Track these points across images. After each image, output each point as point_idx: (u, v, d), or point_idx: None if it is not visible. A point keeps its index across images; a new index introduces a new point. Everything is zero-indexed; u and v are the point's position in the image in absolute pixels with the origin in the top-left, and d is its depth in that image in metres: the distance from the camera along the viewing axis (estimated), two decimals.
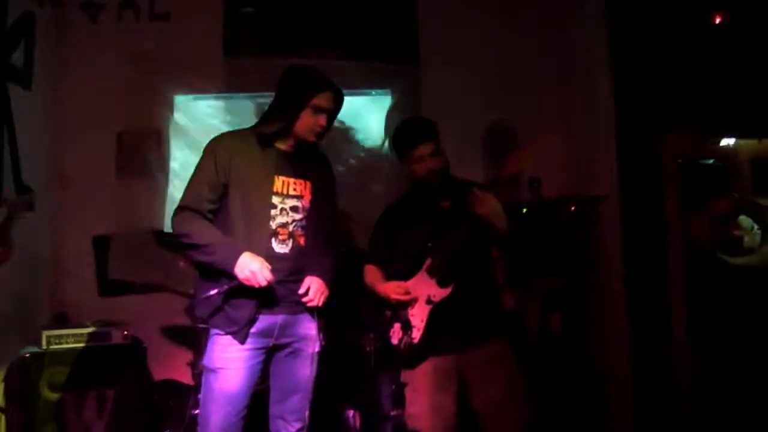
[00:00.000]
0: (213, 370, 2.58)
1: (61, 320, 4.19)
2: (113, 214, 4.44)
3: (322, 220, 2.72)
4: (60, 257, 4.39)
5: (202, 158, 2.66)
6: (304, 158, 2.70)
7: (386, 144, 4.75)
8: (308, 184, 2.69)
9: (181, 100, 4.66)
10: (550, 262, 4.28)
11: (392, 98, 4.80)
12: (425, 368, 2.69)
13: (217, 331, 2.61)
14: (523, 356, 2.85)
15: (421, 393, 2.69)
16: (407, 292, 2.69)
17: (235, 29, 4.71)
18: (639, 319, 3.97)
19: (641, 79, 4.03)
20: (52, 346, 3.50)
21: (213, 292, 2.54)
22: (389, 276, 2.84)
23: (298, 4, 4.79)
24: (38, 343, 3.53)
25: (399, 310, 2.73)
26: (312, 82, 2.61)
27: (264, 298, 2.56)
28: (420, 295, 2.67)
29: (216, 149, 2.63)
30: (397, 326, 2.73)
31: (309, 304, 2.61)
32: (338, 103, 2.68)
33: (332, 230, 2.80)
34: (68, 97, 4.44)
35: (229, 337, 2.57)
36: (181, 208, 2.63)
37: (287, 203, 2.63)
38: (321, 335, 2.67)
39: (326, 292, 2.66)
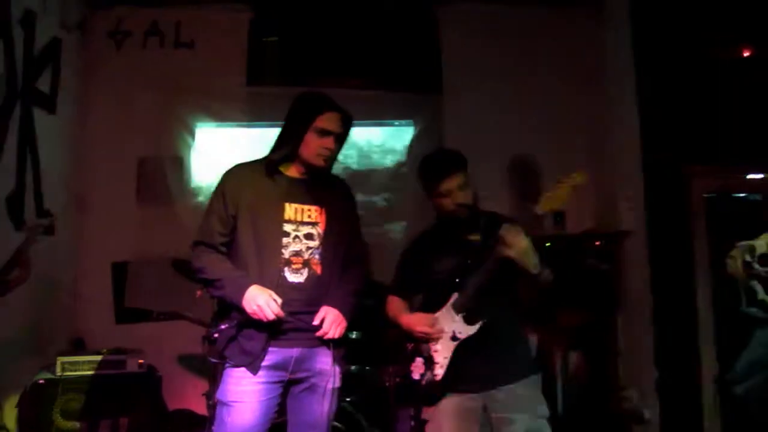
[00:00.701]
0: (226, 404, 2.49)
1: (78, 346, 4.16)
2: (132, 241, 4.43)
3: (341, 248, 2.62)
4: (78, 282, 4.37)
5: (213, 192, 2.65)
6: (319, 184, 2.62)
7: (409, 175, 4.71)
8: (324, 210, 2.60)
9: (203, 128, 4.66)
10: (573, 299, 4.19)
11: (415, 129, 4.78)
12: (448, 406, 2.60)
13: (230, 363, 2.53)
14: (545, 395, 2.75)
15: (443, 431, 2.60)
16: (433, 325, 2.61)
17: (258, 58, 4.74)
18: (667, 358, 3.86)
19: (668, 112, 3.99)
20: (66, 373, 3.47)
21: (223, 326, 2.51)
22: (412, 309, 2.77)
23: (321, 34, 4.81)
24: (53, 369, 3.49)
25: (422, 344, 2.65)
26: (314, 103, 2.56)
27: (277, 329, 2.47)
28: (445, 330, 2.59)
29: (225, 181, 2.61)
30: (419, 361, 2.65)
31: (324, 337, 2.51)
32: (345, 125, 2.59)
33: (354, 258, 2.69)
34: (91, 123, 4.47)
35: (242, 369, 2.48)
36: (195, 243, 2.61)
37: (301, 230, 2.56)
38: (338, 370, 2.56)
39: (343, 324, 2.54)
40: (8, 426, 3.48)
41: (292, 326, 2.50)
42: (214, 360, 2.64)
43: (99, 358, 3.55)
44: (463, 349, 2.56)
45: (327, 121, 2.52)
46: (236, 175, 2.62)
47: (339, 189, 2.73)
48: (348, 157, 4.72)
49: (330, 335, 2.51)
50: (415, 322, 2.66)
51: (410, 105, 4.77)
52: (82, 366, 3.50)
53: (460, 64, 4.68)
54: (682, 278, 3.90)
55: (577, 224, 4.48)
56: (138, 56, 4.58)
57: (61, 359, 3.49)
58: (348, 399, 3.49)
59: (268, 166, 2.59)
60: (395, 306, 2.83)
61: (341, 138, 2.60)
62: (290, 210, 2.56)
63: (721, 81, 3.99)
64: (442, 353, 2.58)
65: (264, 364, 2.49)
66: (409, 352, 2.72)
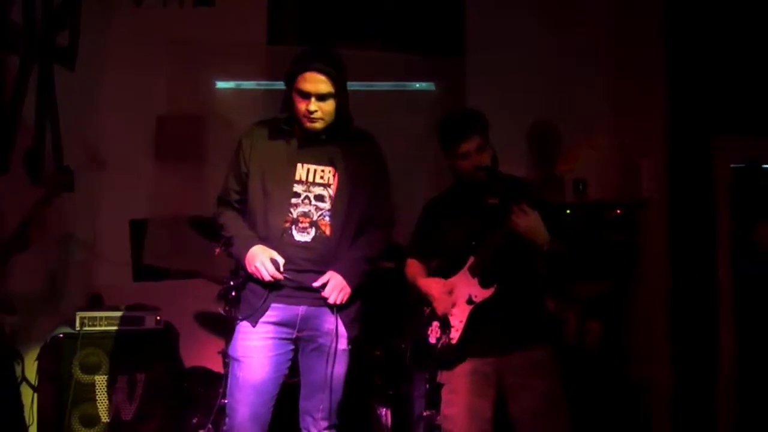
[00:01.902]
0: (237, 360, 2.54)
1: (96, 302, 4.19)
2: (151, 199, 4.44)
3: (355, 211, 2.57)
4: (97, 239, 4.39)
5: (234, 149, 2.67)
6: (337, 142, 2.56)
7: (429, 138, 4.66)
8: (336, 170, 2.55)
9: (223, 87, 4.63)
10: (591, 267, 4.15)
11: (436, 91, 4.71)
12: (464, 370, 2.59)
13: (239, 318, 2.59)
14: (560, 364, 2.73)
15: (459, 395, 2.59)
16: (450, 292, 2.59)
17: (278, 17, 4.67)
18: (683, 330, 3.82)
19: (695, 77, 3.88)
20: (85, 328, 3.50)
21: (232, 282, 2.62)
22: (430, 272, 2.75)
23: None
24: (72, 324, 3.52)
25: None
26: (295, 64, 2.47)
27: (279, 286, 2.51)
28: (461, 294, 2.57)
29: (242, 139, 2.62)
30: (435, 325, 2.64)
31: (328, 301, 2.51)
32: (334, 82, 2.45)
33: (373, 222, 2.64)
34: (111, 80, 4.42)
35: (250, 325, 2.53)
36: (218, 200, 2.70)
37: (312, 191, 2.54)
38: (343, 331, 2.54)
39: (346, 290, 2.52)
40: (29, 378, 3.54)
41: (296, 285, 2.51)
42: (223, 312, 2.85)
43: (118, 313, 3.58)
44: (479, 313, 2.54)
45: (305, 82, 2.43)
46: (253, 134, 2.62)
47: (360, 147, 2.64)
48: (371, 119, 4.69)
49: (331, 300, 2.50)
50: (434, 287, 2.65)
51: (432, 67, 4.69)
52: (101, 321, 3.53)
53: (483, 26, 4.59)
54: (703, 251, 3.83)
55: (600, 192, 4.43)
56: (158, 14, 4.51)
57: (80, 314, 3.52)
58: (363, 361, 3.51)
59: (276, 126, 2.58)
60: (414, 269, 2.81)
61: (329, 96, 2.46)
62: (302, 171, 2.55)
63: (755, 44, 3.86)
64: (458, 317, 2.57)
65: (270, 320, 2.52)
66: (426, 316, 2.71)
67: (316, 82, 2.43)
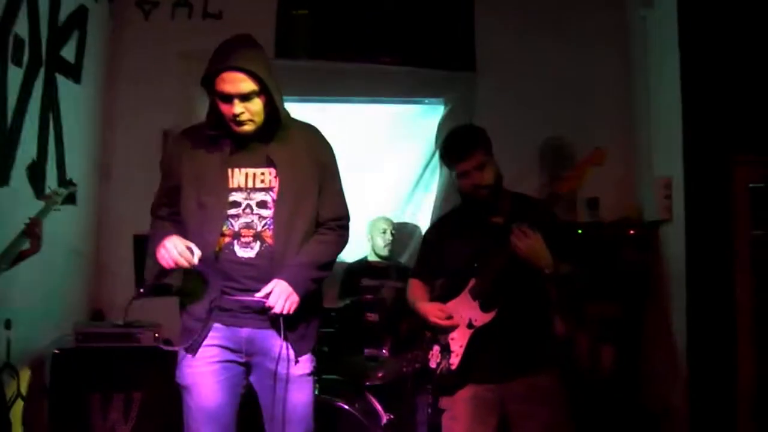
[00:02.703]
0: (186, 387, 2.28)
1: (97, 317, 4.15)
2: None
3: (300, 215, 2.26)
4: (100, 253, 4.35)
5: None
6: (275, 140, 2.26)
7: (437, 154, 4.60)
8: (278, 171, 2.25)
9: None
10: (604, 289, 4.03)
11: (446, 107, 4.64)
12: (464, 396, 2.49)
13: (180, 346, 2.32)
14: (570, 389, 2.61)
15: (459, 422, 2.48)
16: (449, 317, 2.48)
17: (287, 31, 4.65)
18: (701, 353, 3.68)
19: (712, 97, 3.77)
20: (82, 343, 3.43)
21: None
22: (433, 293, 2.65)
23: (352, 8, 4.69)
24: (69, 340, 3.46)
25: (439, 333, 2.54)
26: (209, 65, 2.17)
27: (218, 306, 2.23)
28: (461, 318, 2.47)
29: (168, 149, 2.41)
30: (436, 349, 2.54)
31: (271, 312, 2.19)
32: (254, 81, 2.15)
33: (324, 223, 2.34)
34: (117, 93, 4.43)
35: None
36: (151, 215, 2.40)
37: (254, 198, 2.25)
38: (292, 354, 2.24)
39: (294, 298, 2.19)
40: (24, 394, 3.48)
41: (237, 304, 2.23)
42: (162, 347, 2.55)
43: (115, 329, 3.51)
44: (480, 338, 2.44)
45: (224, 83, 2.13)
46: (177, 142, 2.32)
47: (303, 142, 2.32)
48: (378, 135, 4.64)
49: (277, 309, 2.18)
50: (429, 311, 2.54)
51: (441, 82, 4.63)
52: (98, 337, 3.46)
53: (493, 41, 4.55)
54: (720, 272, 3.70)
55: (612, 212, 4.33)
56: (166, 26, 4.53)
57: (76, 329, 3.47)
58: (365, 384, 3.41)
59: (201, 132, 2.26)
60: (415, 291, 2.72)
61: (253, 94, 2.17)
62: (240, 176, 2.25)
63: None
64: (458, 341, 2.46)
65: (214, 343, 2.24)
66: (427, 340, 2.62)
67: (236, 81, 2.13)
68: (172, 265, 2.15)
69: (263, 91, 2.19)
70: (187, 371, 2.27)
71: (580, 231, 4.08)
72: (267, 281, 2.22)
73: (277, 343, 2.24)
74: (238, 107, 2.15)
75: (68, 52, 3.99)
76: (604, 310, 4.06)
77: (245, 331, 2.27)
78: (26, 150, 3.59)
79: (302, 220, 2.28)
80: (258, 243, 2.24)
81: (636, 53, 4.39)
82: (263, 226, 2.25)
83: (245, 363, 2.31)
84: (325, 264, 2.33)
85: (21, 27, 3.51)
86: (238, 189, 2.26)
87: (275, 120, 2.26)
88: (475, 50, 4.60)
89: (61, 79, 3.89)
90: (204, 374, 2.25)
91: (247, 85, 2.15)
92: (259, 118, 2.22)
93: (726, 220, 3.73)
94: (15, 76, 3.47)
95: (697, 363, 3.71)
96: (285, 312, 2.20)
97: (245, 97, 2.16)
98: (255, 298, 2.21)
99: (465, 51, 4.65)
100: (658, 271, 4.07)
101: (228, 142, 2.26)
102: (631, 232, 4.14)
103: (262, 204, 2.26)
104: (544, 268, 2.35)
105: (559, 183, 2.35)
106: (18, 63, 3.51)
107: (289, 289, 2.20)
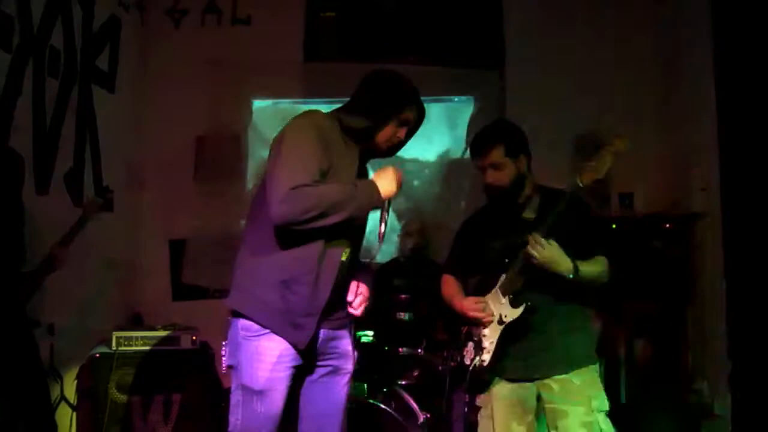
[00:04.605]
0: (259, 392, 2.13)
1: (136, 321, 4.23)
2: (190, 218, 4.47)
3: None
4: (137, 259, 4.43)
5: (301, 134, 2.14)
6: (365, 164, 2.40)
7: (467, 153, 4.59)
8: None
9: (260, 105, 4.63)
10: (641, 283, 3.98)
11: (475, 105, 4.63)
12: (500, 393, 2.48)
13: (268, 340, 2.13)
14: (608, 385, 2.58)
15: (494, 419, 2.47)
16: (485, 309, 2.47)
17: (315, 34, 4.68)
18: (742, 348, 3.60)
19: (748, 88, 3.69)
20: (121, 348, 3.50)
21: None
22: (468, 290, 2.64)
23: (379, 9, 4.70)
24: (109, 344, 3.53)
25: (474, 328, 2.53)
26: (407, 94, 2.31)
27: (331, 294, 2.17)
28: (493, 314, 2.46)
29: (318, 128, 2.16)
30: (470, 345, 2.53)
31: (355, 313, 2.28)
32: (422, 119, 2.37)
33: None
34: (150, 101, 4.50)
35: (279, 350, 2.13)
36: (294, 189, 2.03)
37: None
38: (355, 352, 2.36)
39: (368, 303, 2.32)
40: (68, 397, 3.56)
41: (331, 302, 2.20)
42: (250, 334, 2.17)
43: (154, 334, 3.57)
44: (510, 334, 2.42)
45: (412, 113, 2.30)
46: (325, 127, 2.20)
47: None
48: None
49: (359, 313, 2.29)
50: (467, 305, 2.54)
51: (470, 80, 4.62)
52: (137, 341, 3.52)
53: (522, 39, 4.52)
54: (759, 265, 3.62)
55: (647, 206, 4.27)
56: (196, 34, 4.59)
57: (116, 334, 3.53)
58: (401, 383, 3.42)
59: (351, 133, 2.25)
60: (450, 287, 2.70)
61: (414, 130, 2.38)
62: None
63: None
64: (490, 337, 2.45)
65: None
66: (462, 336, 2.61)
67: (419, 115, 2.35)
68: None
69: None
70: (261, 374, 2.13)
71: (614, 225, 4.03)
72: (346, 285, 2.28)
73: (348, 341, 2.33)
74: (405, 135, 2.34)
75: (102, 62, 4.07)
76: (641, 305, 4.01)
77: (323, 332, 2.23)
78: (64, 159, 3.68)
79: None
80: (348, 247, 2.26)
81: (668, 45, 4.32)
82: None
83: (298, 366, 2.23)
84: None
85: (56, 39, 3.61)
86: None
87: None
88: (504, 47, 4.57)
89: (95, 88, 3.97)
90: (280, 379, 2.15)
91: (419, 121, 2.36)
92: (398, 150, 2.40)
93: (764, 212, 3.65)
94: (52, 87, 3.56)
95: (738, 358, 3.64)
96: (361, 315, 2.32)
97: (410, 130, 2.36)
98: (349, 300, 2.29)
99: (493, 48, 4.62)
100: (695, 264, 4.00)
101: (356, 151, 2.29)
102: (667, 225, 4.07)
103: None
104: (565, 274, 2.32)
105: (581, 173, 2.31)
106: (54, 75, 3.60)
107: (368, 293, 2.32)
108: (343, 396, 2.31)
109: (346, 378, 2.31)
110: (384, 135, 2.29)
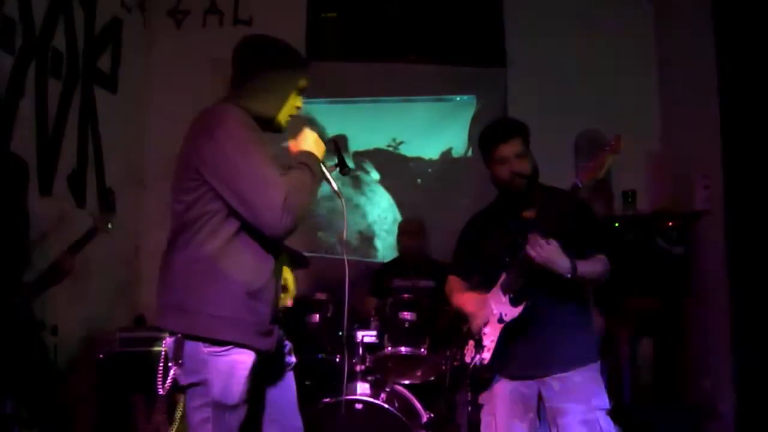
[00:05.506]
0: (233, 407, 1.99)
1: (140, 322, 4.22)
2: None
3: None
4: (139, 259, 4.43)
5: (247, 139, 2.04)
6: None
7: (470, 151, 4.59)
8: None
9: None
10: (643, 281, 3.97)
11: (477, 104, 4.63)
12: (502, 391, 2.48)
13: (239, 354, 1.99)
14: (610, 383, 2.58)
15: (496, 417, 2.48)
16: (483, 307, 2.48)
17: (317, 33, 4.68)
18: (745, 347, 3.60)
19: (750, 83, 3.68)
20: (125, 348, 3.50)
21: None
22: (470, 289, 2.64)
23: (381, 9, 4.71)
24: (113, 344, 3.54)
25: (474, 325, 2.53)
26: (295, 61, 2.25)
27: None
28: (493, 312, 2.46)
29: (251, 127, 2.11)
30: (471, 343, 2.54)
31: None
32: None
33: None
34: (152, 102, 4.50)
35: (251, 359, 2.00)
36: (286, 199, 1.95)
37: None
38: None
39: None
40: (71, 398, 3.56)
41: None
42: (212, 348, 1.98)
43: (156, 334, 3.57)
44: (511, 333, 2.42)
45: (304, 78, 2.27)
46: (251, 123, 2.15)
47: None
48: (410, 133, 4.65)
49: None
50: (465, 302, 2.55)
51: (472, 79, 4.62)
52: (140, 341, 3.53)
53: (523, 36, 4.51)
54: (762, 263, 3.61)
55: (650, 204, 4.27)
56: (197, 34, 4.59)
57: (120, 334, 3.55)
58: (404, 382, 3.42)
59: (258, 120, 2.17)
60: (453, 286, 2.72)
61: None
62: None
63: None
64: (490, 336, 2.45)
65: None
66: (463, 334, 2.61)
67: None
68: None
69: None
70: (236, 389, 2.00)
71: (617, 225, 4.03)
72: None
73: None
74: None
75: (104, 64, 4.08)
76: (643, 303, 4.00)
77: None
78: (66, 160, 3.69)
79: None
80: None
81: (668, 44, 4.31)
82: None
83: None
84: None
85: (58, 41, 3.62)
86: None
87: None
88: (505, 45, 4.57)
89: (98, 89, 3.98)
90: (250, 390, 2.03)
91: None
92: None
93: (766, 210, 3.64)
94: (54, 89, 3.57)
95: (741, 357, 3.63)
96: None
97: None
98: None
99: (495, 46, 4.63)
100: (698, 262, 3.99)
101: (266, 140, 2.18)
102: (670, 224, 4.07)
103: None
104: (562, 274, 2.32)
105: (580, 174, 2.31)
106: (57, 76, 3.61)
107: None
108: (294, 384, 2.26)
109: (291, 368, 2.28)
110: (286, 111, 2.23)
